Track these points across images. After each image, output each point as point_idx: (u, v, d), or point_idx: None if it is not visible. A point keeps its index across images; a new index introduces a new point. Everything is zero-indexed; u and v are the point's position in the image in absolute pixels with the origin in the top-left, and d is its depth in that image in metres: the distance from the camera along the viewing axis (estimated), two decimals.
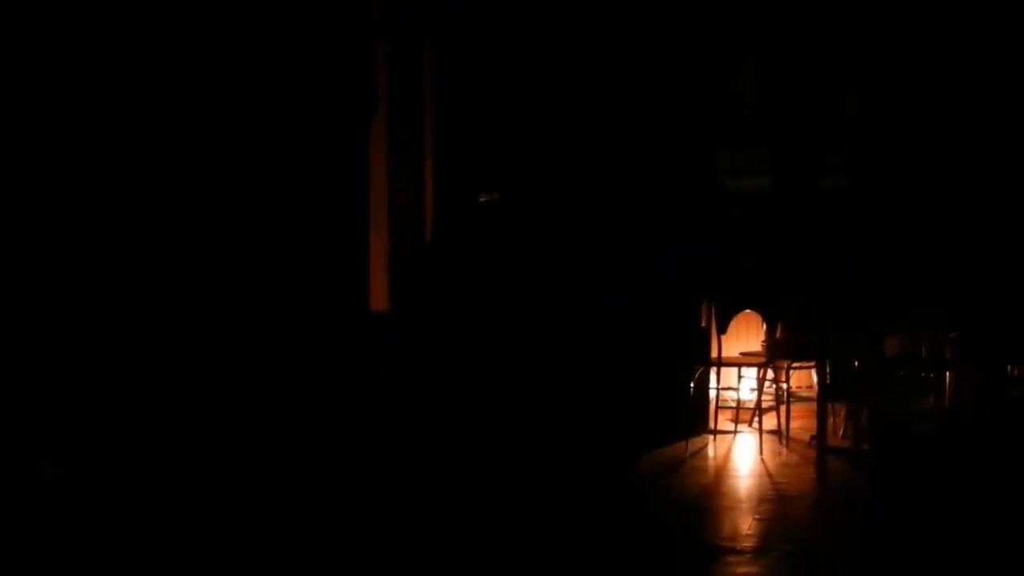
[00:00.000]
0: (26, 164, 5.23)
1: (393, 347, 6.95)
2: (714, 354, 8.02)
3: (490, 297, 7.65)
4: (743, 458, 7.43)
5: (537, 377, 7.45)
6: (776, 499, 6.34)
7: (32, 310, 5.20)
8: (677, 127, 8.60)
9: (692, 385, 7.88)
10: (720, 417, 8.11)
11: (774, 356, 7.97)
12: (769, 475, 6.90)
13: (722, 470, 7.18)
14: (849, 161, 8.92)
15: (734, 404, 8.39)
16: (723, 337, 8.02)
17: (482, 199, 8.26)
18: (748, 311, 8.26)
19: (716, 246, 8.73)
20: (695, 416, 7.99)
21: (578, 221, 8.30)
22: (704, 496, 6.50)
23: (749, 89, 9.07)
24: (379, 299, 7.13)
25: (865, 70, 8.80)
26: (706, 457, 7.50)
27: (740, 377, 8.28)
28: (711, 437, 7.94)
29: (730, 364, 8.17)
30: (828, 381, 7.10)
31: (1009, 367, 7.32)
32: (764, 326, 8.22)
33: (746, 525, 5.82)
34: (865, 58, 8.75)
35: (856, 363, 7.11)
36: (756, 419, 8.06)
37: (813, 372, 8.00)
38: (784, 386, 8.02)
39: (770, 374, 8.17)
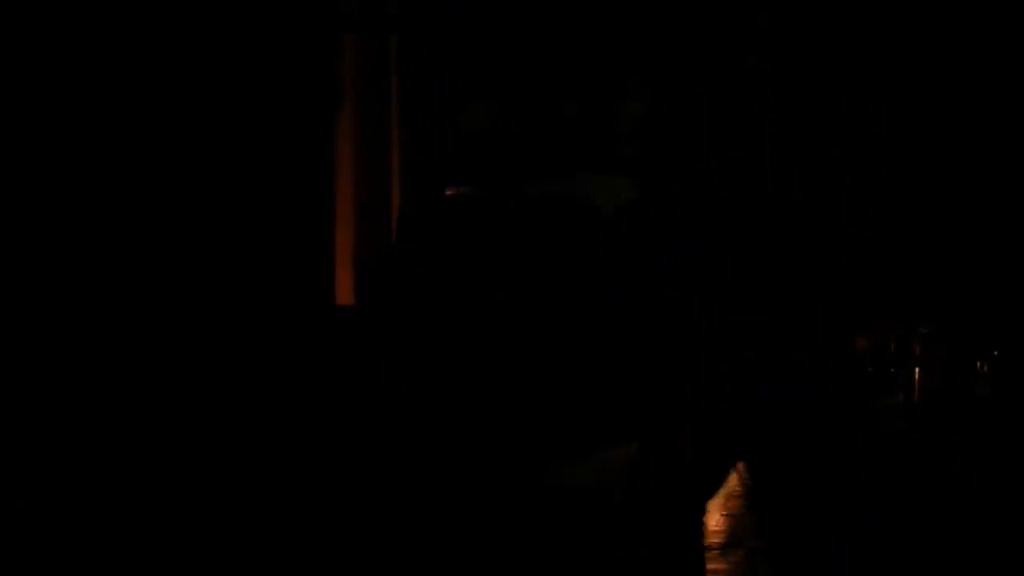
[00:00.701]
0: None
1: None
2: None
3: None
4: None
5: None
6: (744, 494, 6.32)
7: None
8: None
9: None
10: None
11: None
12: (737, 470, 6.87)
13: None
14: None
15: None
16: None
17: (449, 193, 8.22)
18: None
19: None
20: None
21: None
22: None
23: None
24: (345, 294, 7.09)
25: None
26: None
27: None
28: None
29: None
30: None
31: (978, 363, 7.33)
32: None
33: (713, 521, 5.81)
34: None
35: None
36: None
37: None
38: None
39: None
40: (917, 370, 7.33)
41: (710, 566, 5.09)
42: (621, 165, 8.62)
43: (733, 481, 6.62)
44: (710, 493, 5.66)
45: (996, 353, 7.32)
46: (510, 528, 5.70)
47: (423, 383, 7.18)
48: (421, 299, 7.58)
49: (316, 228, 6.47)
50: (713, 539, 5.44)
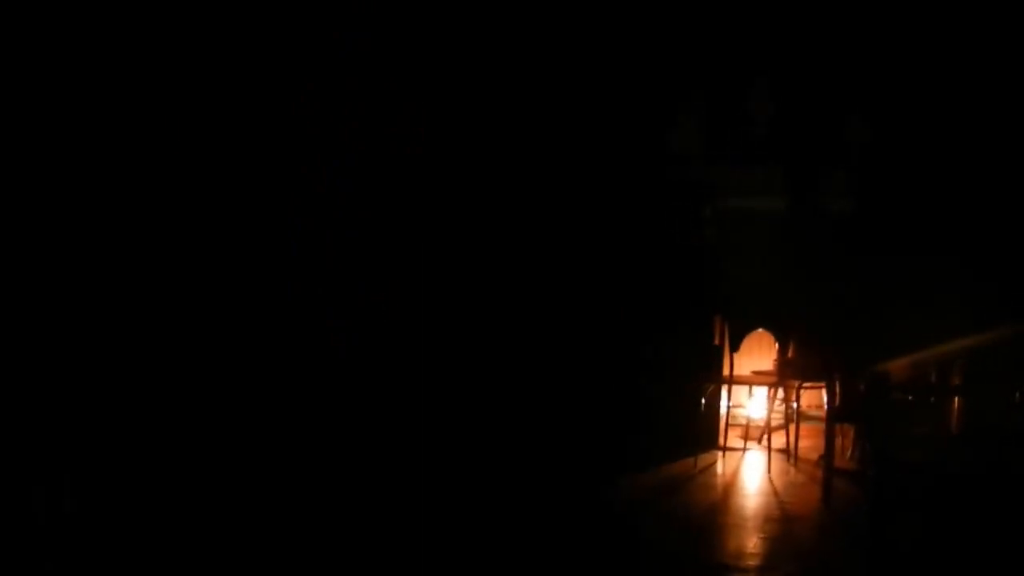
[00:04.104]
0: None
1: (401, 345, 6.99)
2: (726, 371, 8.11)
3: (499, 303, 7.69)
4: (751, 476, 7.50)
5: (543, 390, 7.52)
6: (782, 519, 6.40)
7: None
8: (688, 145, 8.68)
9: (703, 401, 7.97)
10: (730, 434, 8.19)
11: (785, 376, 8.05)
12: (776, 494, 6.96)
13: (730, 487, 7.25)
14: (859, 183, 8.99)
15: (744, 422, 8.47)
16: (735, 355, 8.10)
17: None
18: (761, 330, 8.36)
19: (730, 264, 8.81)
20: (705, 432, 8.08)
21: (589, 236, 8.37)
22: (710, 513, 6.56)
23: (760, 108, 9.14)
24: None
25: (871, 93, 8.86)
26: (714, 474, 7.57)
27: (751, 395, 8.36)
28: (720, 454, 8.02)
29: (741, 382, 8.25)
30: (837, 403, 7.17)
31: (1017, 394, 7.37)
32: (776, 345, 8.30)
33: (751, 544, 5.88)
34: (870, 81, 8.81)
35: (862, 386, 7.18)
36: (765, 437, 8.14)
37: (823, 392, 8.07)
38: (794, 406, 8.09)
39: (780, 393, 8.25)
40: (956, 400, 7.40)
41: None
42: (668, 187, 8.74)
43: (772, 505, 6.72)
44: None
45: None
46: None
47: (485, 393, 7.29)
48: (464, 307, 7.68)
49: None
50: (750, 562, 5.51)
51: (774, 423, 8.28)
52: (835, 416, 7.21)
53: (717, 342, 8.29)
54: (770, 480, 7.33)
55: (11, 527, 4.68)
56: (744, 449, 8.18)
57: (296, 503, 5.48)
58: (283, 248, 5.89)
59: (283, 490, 5.53)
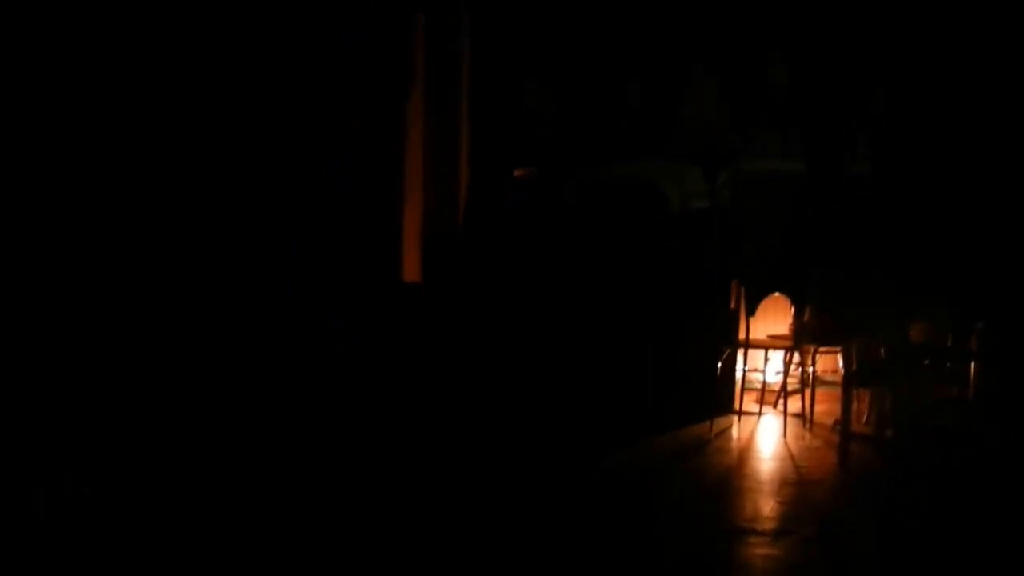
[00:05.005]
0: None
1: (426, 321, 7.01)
2: (742, 336, 8.09)
3: (529, 273, 7.70)
4: (767, 440, 7.50)
5: (564, 354, 7.52)
6: (798, 482, 6.40)
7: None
8: (709, 111, 8.64)
9: (719, 365, 7.96)
10: (745, 398, 8.19)
11: (801, 340, 8.02)
12: (792, 458, 6.96)
13: (746, 452, 7.25)
14: (878, 148, 8.95)
15: (760, 386, 8.45)
16: (751, 319, 8.08)
17: (517, 175, 8.31)
18: (777, 294, 8.33)
19: (748, 228, 8.79)
20: (721, 396, 8.07)
21: (613, 200, 8.36)
22: (727, 476, 6.57)
23: (779, 77, 9.10)
24: (412, 272, 7.21)
25: (887, 62, 8.81)
26: (730, 438, 7.57)
27: (767, 359, 8.35)
28: (736, 418, 8.02)
29: (757, 346, 8.24)
30: (853, 367, 7.16)
31: None
32: (792, 310, 8.28)
33: (768, 507, 5.89)
34: (888, 52, 8.76)
35: (881, 350, 7.17)
36: (781, 402, 8.13)
37: (839, 357, 8.05)
38: (810, 370, 8.08)
39: (796, 357, 8.23)
40: (973, 364, 7.38)
41: (763, 551, 5.18)
42: (686, 153, 8.72)
43: (788, 469, 6.72)
44: None
45: None
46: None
47: (486, 363, 7.31)
48: (487, 280, 7.69)
49: (384, 207, 6.57)
50: (767, 525, 5.52)
51: (790, 387, 8.25)
52: (852, 380, 7.20)
53: (733, 306, 8.26)
54: (786, 444, 7.33)
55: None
56: (760, 413, 8.17)
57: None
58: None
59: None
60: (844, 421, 7.07)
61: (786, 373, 8.30)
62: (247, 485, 5.31)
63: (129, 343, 5.30)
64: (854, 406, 7.45)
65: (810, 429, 7.72)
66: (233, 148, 5.82)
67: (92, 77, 5.19)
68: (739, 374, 8.28)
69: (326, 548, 4.92)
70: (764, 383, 8.46)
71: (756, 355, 8.41)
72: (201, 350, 5.55)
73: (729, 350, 8.07)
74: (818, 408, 7.96)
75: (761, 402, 8.32)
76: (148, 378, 5.32)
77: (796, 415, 7.93)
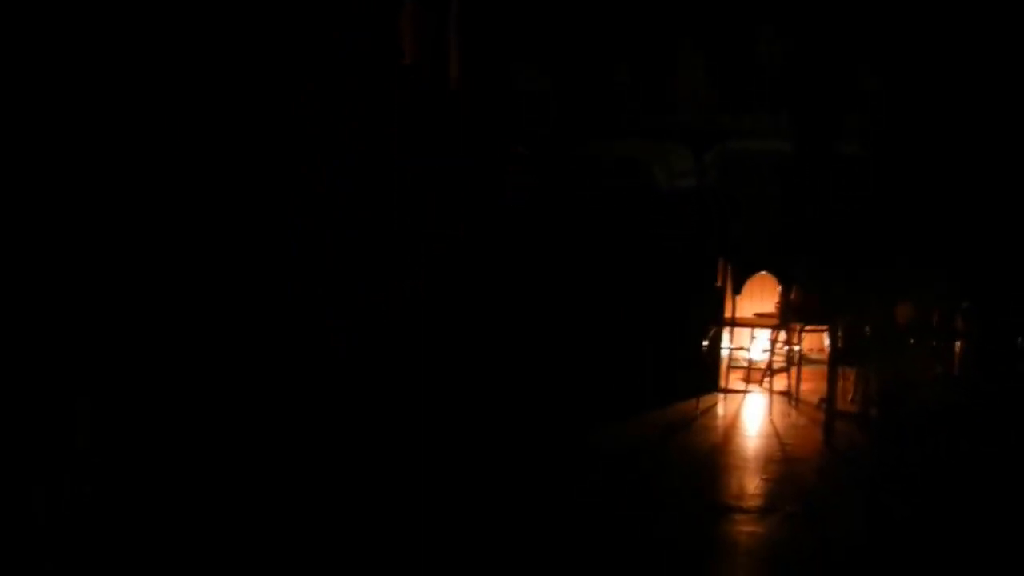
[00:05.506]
0: None
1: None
2: (728, 314, 8.12)
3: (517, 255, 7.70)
4: (752, 418, 7.54)
5: (552, 332, 7.54)
6: (784, 460, 6.44)
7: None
8: (697, 89, 8.64)
9: (705, 344, 7.98)
10: (731, 376, 8.22)
11: (787, 318, 8.05)
12: (778, 436, 7.00)
13: (731, 429, 7.28)
14: (866, 127, 8.96)
15: (746, 364, 8.49)
16: (738, 297, 8.11)
17: (514, 152, 8.31)
18: (764, 273, 8.35)
19: (735, 206, 8.79)
20: (706, 374, 8.09)
21: (598, 178, 8.36)
22: (712, 454, 6.60)
23: (767, 56, 9.09)
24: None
25: (878, 42, 8.81)
26: (716, 416, 7.61)
27: (753, 338, 8.38)
28: (721, 396, 8.05)
29: (744, 324, 8.27)
30: (839, 345, 7.19)
31: (1020, 339, 7.40)
32: (779, 288, 8.30)
33: (753, 485, 5.92)
34: (878, 31, 8.76)
35: (867, 329, 7.20)
36: (767, 380, 8.16)
37: (825, 336, 8.08)
38: (796, 348, 8.11)
39: (783, 336, 8.26)
40: (958, 343, 7.43)
41: (748, 528, 5.22)
42: (674, 132, 8.72)
43: (774, 447, 6.76)
44: None
45: None
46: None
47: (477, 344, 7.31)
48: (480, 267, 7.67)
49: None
50: (752, 503, 5.55)
51: (776, 365, 8.29)
52: (838, 359, 7.23)
53: (719, 284, 8.28)
54: (771, 422, 7.36)
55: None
56: (746, 391, 8.21)
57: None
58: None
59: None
60: (830, 399, 7.11)
61: (772, 351, 8.33)
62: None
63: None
64: (840, 384, 7.48)
65: (796, 407, 7.75)
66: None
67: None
68: (725, 352, 8.31)
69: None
70: (750, 361, 8.50)
71: (742, 333, 8.44)
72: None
73: (715, 328, 8.09)
74: (804, 386, 8.00)
75: (747, 380, 8.36)
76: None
77: (782, 393, 7.97)
